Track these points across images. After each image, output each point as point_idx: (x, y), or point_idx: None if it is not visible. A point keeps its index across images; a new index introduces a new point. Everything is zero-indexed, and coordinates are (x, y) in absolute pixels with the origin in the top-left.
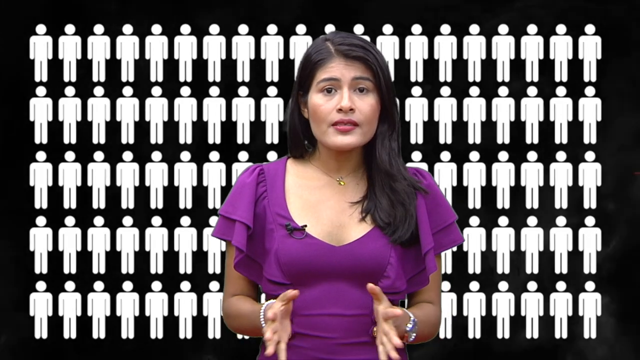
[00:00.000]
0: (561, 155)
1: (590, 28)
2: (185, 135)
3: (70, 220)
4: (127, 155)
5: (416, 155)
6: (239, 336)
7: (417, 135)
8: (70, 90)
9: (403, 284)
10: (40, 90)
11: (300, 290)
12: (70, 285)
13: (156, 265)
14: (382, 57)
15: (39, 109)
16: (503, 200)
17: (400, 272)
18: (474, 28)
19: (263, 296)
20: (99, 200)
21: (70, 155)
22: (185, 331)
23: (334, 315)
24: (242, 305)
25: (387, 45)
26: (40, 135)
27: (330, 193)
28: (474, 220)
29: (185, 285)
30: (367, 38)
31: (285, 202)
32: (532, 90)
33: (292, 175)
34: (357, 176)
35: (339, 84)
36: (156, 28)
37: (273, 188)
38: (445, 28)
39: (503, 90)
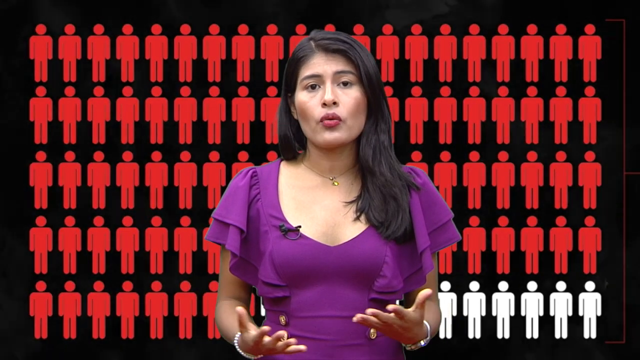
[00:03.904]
0: (561, 155)
1: None
2: (185, 135)
3: (70, 220)
4: (127, 155)
5: (416, 156)
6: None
7: (417, 135)
8: (70, 90)
9: (400, 282)
10: (40, 90)
11: (296, 292)
12: (70, 285)
13: (156, 265)
14: (366, 52)
15: (39, 109)
16: (503, 200)
17: (397, 271)
18: (474, 28)
19: (261, 299)
20: (99, 200)
21: (70, 155)
22: (185, 331)
23: (330, 317)
24: (226, 316)
25: (387, 44)
26: (40, 135)
27: (324, 193)
28: (474, 220)
29: (185, 285)
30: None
31: (279, 204)
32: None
33: (285, 177)
34: (351, 176)
35: (321, 80)
36: (156, 28)
37: (266, 190)
38: (445, 28)
39: (503, 90)
